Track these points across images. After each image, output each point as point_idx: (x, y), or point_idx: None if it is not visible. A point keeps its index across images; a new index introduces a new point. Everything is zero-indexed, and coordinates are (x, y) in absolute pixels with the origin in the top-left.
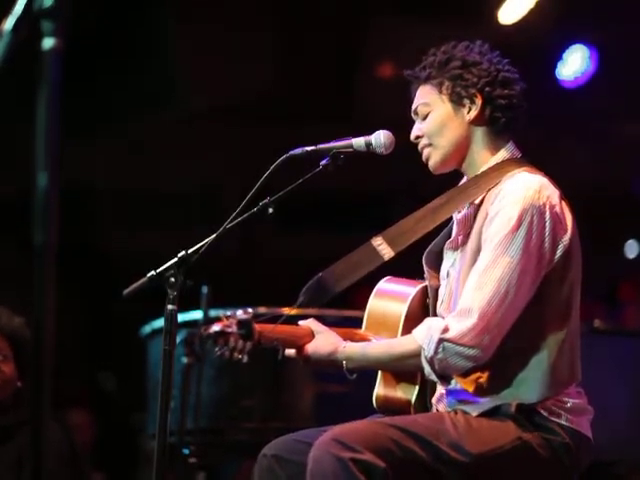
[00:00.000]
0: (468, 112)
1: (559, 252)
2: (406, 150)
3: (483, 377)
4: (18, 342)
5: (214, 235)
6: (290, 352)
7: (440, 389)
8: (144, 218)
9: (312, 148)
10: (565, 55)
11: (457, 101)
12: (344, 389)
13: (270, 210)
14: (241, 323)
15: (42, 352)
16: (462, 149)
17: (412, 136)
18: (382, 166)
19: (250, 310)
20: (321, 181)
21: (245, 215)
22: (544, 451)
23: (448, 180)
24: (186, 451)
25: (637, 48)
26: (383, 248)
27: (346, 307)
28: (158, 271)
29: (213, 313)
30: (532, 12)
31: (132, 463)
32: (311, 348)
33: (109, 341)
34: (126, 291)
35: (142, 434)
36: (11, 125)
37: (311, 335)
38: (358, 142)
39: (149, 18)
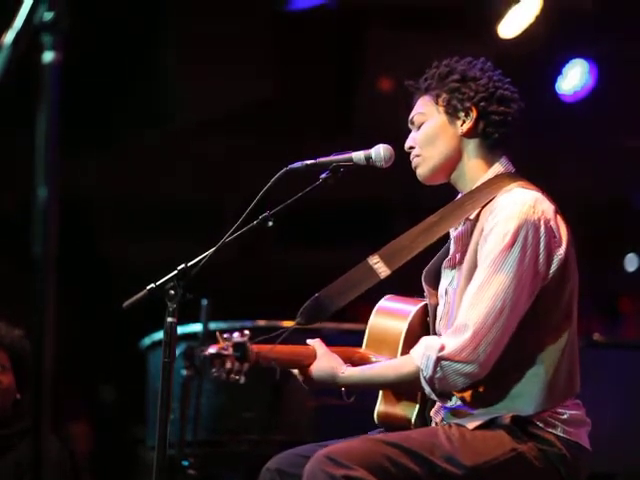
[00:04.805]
0: (461, 125)
1: (554, 266)
2: (406, 163)
3: (479, 390)
4: (17, 353)
5: (214, 248)
6: (295, 372)
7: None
8: (144, 230)
9: (312, 162)
10: (564, 69)
11: (452, 113)
12: (344, 402)
13: (270, 223)
14: (237, 345)
15: (42, 364)
16: (452, 161)
17: (406, 146)
18: (382, 179)
19: (247, 332)
20: (322, 194)
21: (245, 228)
22: (540, 462)
23: (449, 192)
24: (185, 463)
25: (636, 62)
26: (380, 267)
27: (345, 321)
28: (158, 284)
29: (213, 326)
30: (532, 26)
31: (131, 475)
32: (312, 371)
33: (109, 353)
34: (126, 303)
35: (142, 446)
36: (10, 139)
37: (314, 357)
38: (358, 156)
39: (149, 33)
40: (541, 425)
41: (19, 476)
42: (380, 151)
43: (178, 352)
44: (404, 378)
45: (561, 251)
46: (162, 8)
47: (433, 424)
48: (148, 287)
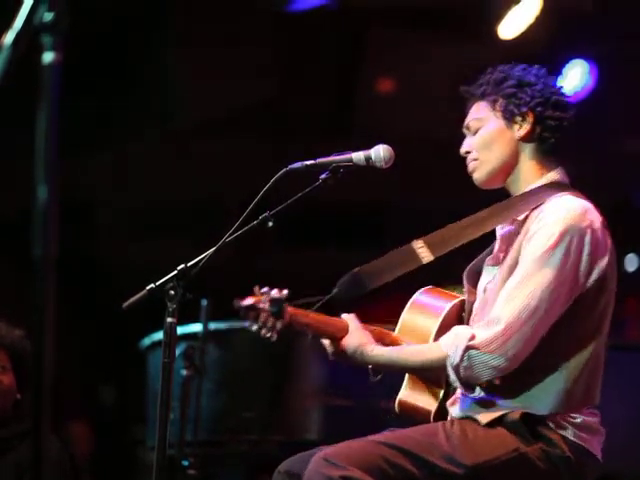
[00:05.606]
0: (518, 129)
1: (594, 277)
2: (407, 165)
3: (500, 384)
4: (17, 354)
5: (214, 248)
6: (325, 343)
7: (457, 393)
8: (144, 231)
9: (312, 162)
10: (564, 70)
11: (509, 118)
12: (345, 402)
13: (270, 224)
14: (273, 301)
15: (42, 364)
16: (509, 166)
17: (462, 150)
18: (382, 180)
19: (285, 291)
20: (321, 195)
21: (245, 228)
22: (542, 464)
23: (449, 193)
24: (185, 463)
25: (636, 62)
26: (423, 252)
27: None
28: (158, 284)
29: (212, 326)
30: (532, 27)
31: (131, 476)
32: (342, 344)
33: (109, 353)
34: (126, 304)
35: (141, 447)
36: (10, 139)
37: (346, 330)
38: (358, 156)
39: (149, 33)
40: (552, 426)
41: (19, 476)
42: (380, 152)
43: (178, 352)
44: (430, 364)
45: (603, 263)
46: (162, 7)
47: (449, 416)
48: (148, 287)
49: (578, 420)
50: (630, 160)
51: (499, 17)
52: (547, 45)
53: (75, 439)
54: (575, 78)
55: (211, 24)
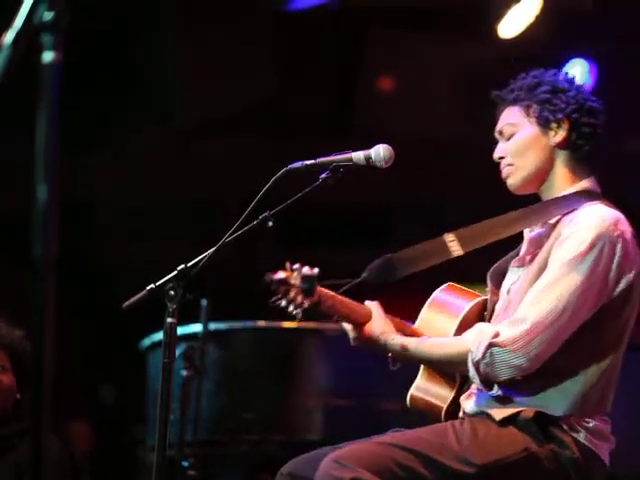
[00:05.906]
0: (554, 136)
1: (621, 286)
2: (407, 165)
3: (518, 383)
4: (17, 353)
5: (214, 248)
6: (347, 327)
7: (472, 388)
8: (144, 231)
9: (312, 162)
10: (565, 69)
11: (544, 124)
12: (345, 403)
13: (270, 224)
14: (305, 278)
15: (42, 364)
16: (543, 172)
17: (495, 156)
18: (382, 180)
19: (316, 269)
20: (321, 195)
21: (245, 228)
22: (551, 464)
23: (450, 193)
24: (185, 463)
25: (636, 61)
26: (454, 245)
27: None
28: (158, 284)
29: (212, 326)
30: (532, 26)
31: (131, 475)
32: (365, 330)
33: (109, 353)
34: (126, 304)
35: (141, 447)
36: (10, 139)
37: (369, 317)
38: (358, 156)
39: (149, 33)
40: (565, 428)
41: (19, 476)
42: (380, 151)
43: (178, 352)
44: (450, 358)
45: (632, 274)
46: (162, 7)
47: (461, 412)
48: (148, 287)
49: (591, 424)
50: (630, 160)
51: (499, 16)
52: (547, 44)
53: (75, 438)
54: (575, 77)
55: (211, 24)
